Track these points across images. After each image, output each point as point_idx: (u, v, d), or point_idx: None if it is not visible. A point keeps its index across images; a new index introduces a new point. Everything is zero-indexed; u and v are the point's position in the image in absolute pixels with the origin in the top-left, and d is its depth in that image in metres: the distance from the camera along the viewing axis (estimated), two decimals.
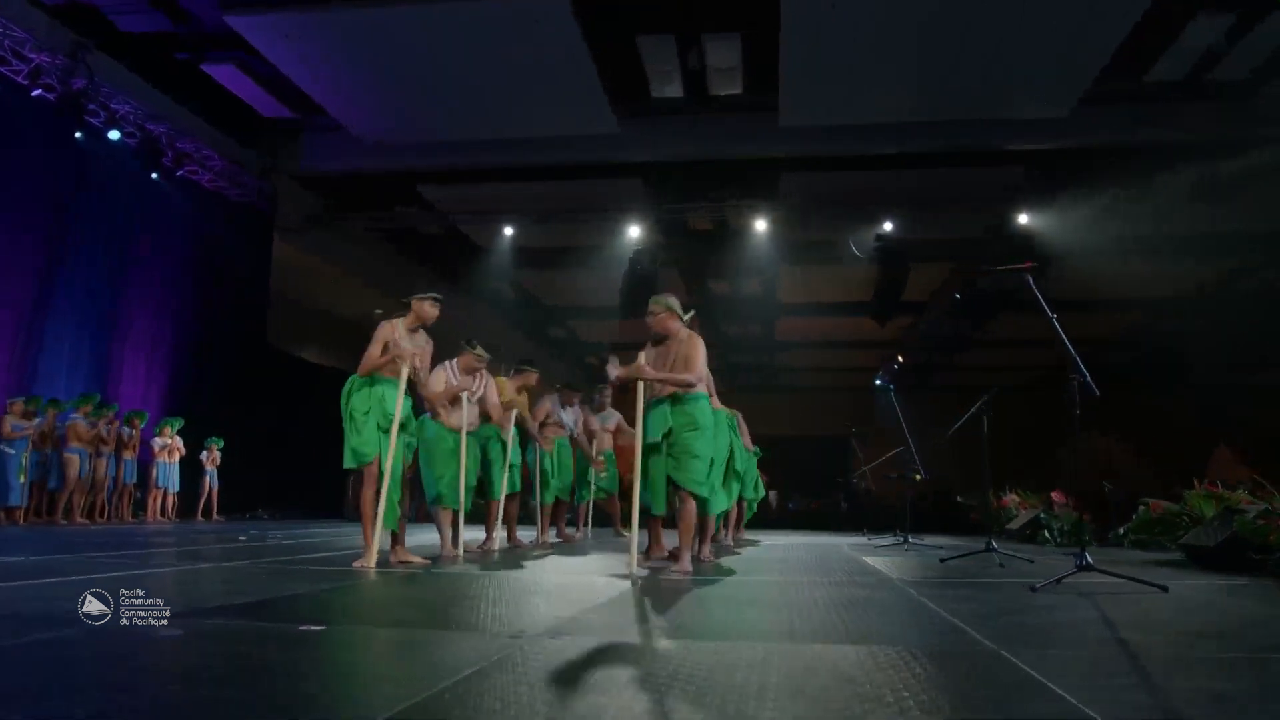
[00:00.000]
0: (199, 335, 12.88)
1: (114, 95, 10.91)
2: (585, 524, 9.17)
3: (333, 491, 14.97)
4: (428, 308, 5.42)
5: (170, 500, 11.87)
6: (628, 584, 4.31)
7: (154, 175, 11.71)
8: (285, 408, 14.32)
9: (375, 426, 5.13)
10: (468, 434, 6.18)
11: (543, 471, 7.89)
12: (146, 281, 12.01)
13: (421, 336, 5.48)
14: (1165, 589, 4.08)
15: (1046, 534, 8.82)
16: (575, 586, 4.29)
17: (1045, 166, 12.49)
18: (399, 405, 5.18)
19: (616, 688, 1.97)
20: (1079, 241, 12.26)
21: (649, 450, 5.19)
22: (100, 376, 11.21)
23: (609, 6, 9.75)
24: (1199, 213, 11.83)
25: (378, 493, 5.10)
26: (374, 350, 5.20)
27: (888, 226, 13.47)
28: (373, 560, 4.99)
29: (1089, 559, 4.26)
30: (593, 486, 8.86)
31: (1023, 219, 12.79)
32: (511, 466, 7.06)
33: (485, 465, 6.86)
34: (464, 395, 6.13)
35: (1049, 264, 13.32)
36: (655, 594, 3.94)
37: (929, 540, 9.21)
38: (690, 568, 5.03)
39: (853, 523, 14.41)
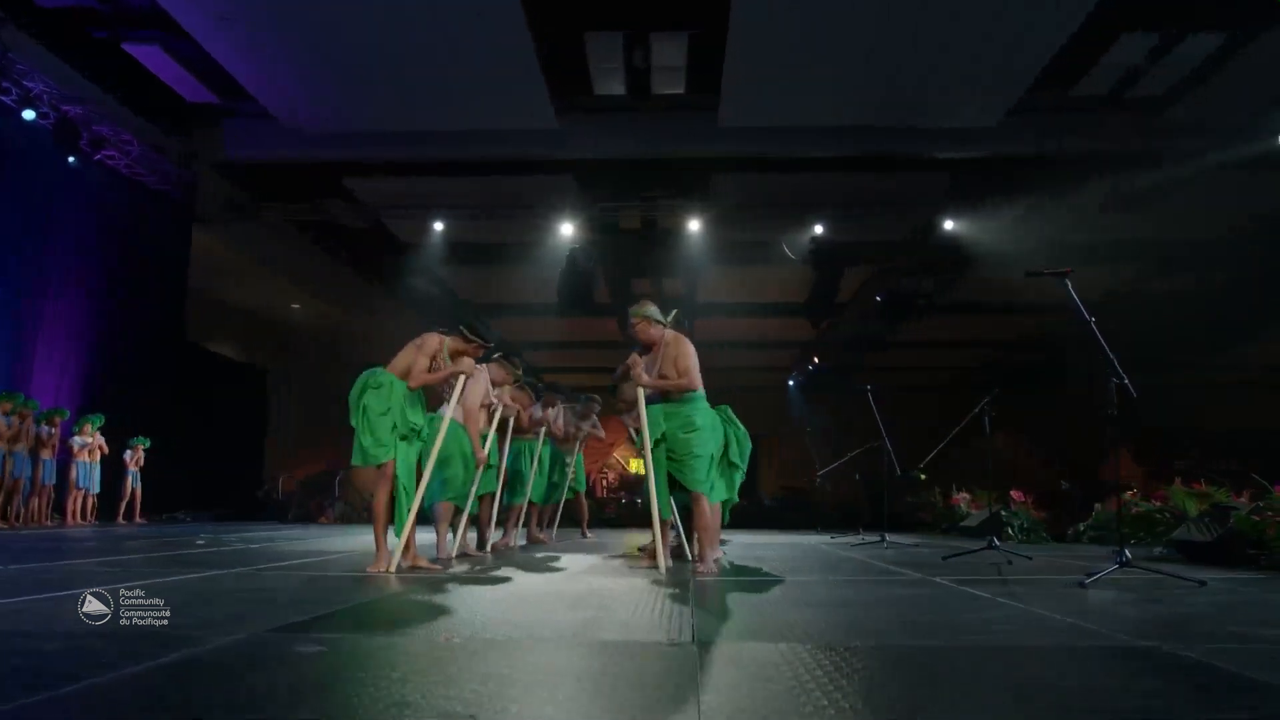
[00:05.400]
0: (114, 328, 12.20)
1: (29, 73, 10.25)
2: (553, 525, 9.04)
3: (254, 492, 14.45)
4: (474, 350, 5.35)
5: (90, 502, 11.20)
6: (687, 587, 4.25)
7: (71, 159, 11.05)
8: (203, 405, 13.74)
9: (391, 428, 4.93)
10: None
11: (518, 471, 7.72)
12: (61, 271, 11.33)
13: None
14: (1204, 583, 4.29)
15: (1010, 530, 9.12)
16: (631, 590, 4.18)
17: (971, 173, 12.93)
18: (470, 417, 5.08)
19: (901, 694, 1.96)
20: (1000, 246, 12.72)
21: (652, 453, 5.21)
22: (11, 370, 10.49)
23: (560, 1, 9.67)
24: (1113, 221, 12.43)
25: (393, 497, 4.92)
26: (423, 362, 5.08)
27: (818, 229, 13.74)
28: (389, 564, 4.80)
29: (1128, 555, 4.45)
30: (563, 487, 8.74)
31: (948, 224, 13.23)
32: (490, 466, 6.91)
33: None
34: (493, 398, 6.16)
35: (969, 268, 13.90)
36: (738, 596, 3.93)
37: (901, 539, 9.32)
38: (714, 567, 5.04)
39: (784, 521, 14.56)
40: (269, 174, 13.56)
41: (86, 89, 10.93)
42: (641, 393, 5.22)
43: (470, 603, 3.60)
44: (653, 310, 5.44)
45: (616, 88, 11.58)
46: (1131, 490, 9.57)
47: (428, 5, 9.47)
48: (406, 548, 4.98)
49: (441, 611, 3.30)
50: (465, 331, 5.28)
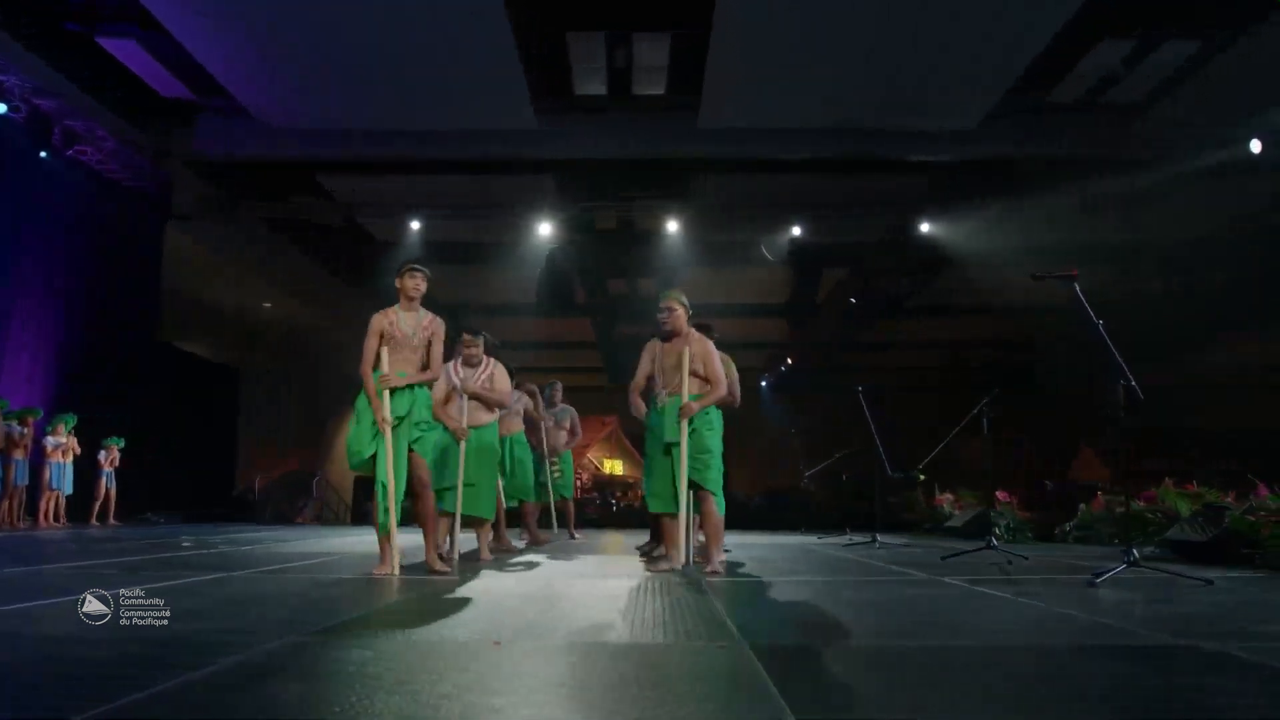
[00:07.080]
0: (87, 326, 11.93)
1: (0, 66, 10.00)
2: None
3: (228, 493, 14.24)
4: (405, 281, 4.99)
5: (63, 503, 10.96)
6: (701, 587, 4.23)
7: (43, 154, 10.81)
8: (174, 405, 13.50)
9: (370, 423, 4.77)
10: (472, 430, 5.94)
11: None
12: (32, 268, 11.03)
13: (422, 315, 5.05)
14: (1211, 582, 4.36)
15: (997, 530, 9.15)
16: (647, 590, 4.14)
17: (949, 176, 13.03)
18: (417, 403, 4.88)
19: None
20: (978, 248, 12.83)
21: (665, 450, 5.21)
22: None
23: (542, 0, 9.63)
24: (1092, 223, 12.57)
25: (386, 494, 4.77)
26: (370, 343, 4.87)
27: (797, 230, 13.77)
28: (393, 567, 4.72)
29: (1135, 554, 4.50)
30: (549, 487, 8.66)
31: (926, 226, 13.33)
32: None
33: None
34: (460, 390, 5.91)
35: (947, 269, 14.02)
36: (756, 597, 3.93)
37: (892, 539, 9.36)
38: (720, 568, 5.04)
39: (767, 522, 14.55)
40: (244, 171, 13.35)
41: (59, 83, 10.68)
42: (661, 391, 5.33)
43: (494, 605, 3.57)
44: (686, 300, 5.46)
45: (597, 88, 11.56)
46: (1100, 490, 9.71)
47: (409, 3, 9.39)
48: (426, 537, 4.91)
49: (471, 614, 3.28)
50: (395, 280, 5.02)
